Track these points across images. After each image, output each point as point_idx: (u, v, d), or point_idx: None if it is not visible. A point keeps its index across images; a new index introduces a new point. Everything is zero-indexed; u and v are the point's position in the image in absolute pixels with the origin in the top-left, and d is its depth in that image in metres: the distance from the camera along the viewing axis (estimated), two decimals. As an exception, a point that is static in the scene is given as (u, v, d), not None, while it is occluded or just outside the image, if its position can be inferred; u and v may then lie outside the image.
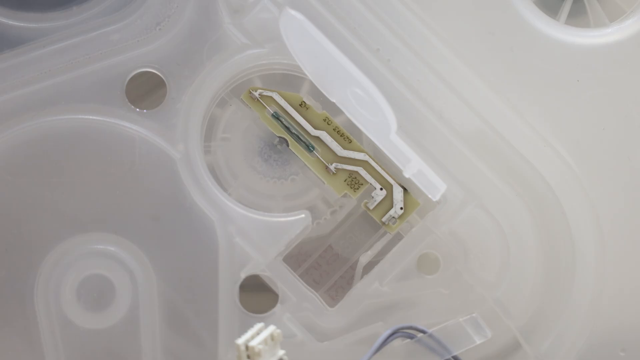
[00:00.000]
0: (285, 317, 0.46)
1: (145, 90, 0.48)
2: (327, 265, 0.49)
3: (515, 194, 0.46)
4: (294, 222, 0.46)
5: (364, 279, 0.47)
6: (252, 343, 0.39)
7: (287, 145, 0.47)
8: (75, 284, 0.46)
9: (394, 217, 0.46)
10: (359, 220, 0.48)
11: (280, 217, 0.46)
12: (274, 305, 0.46)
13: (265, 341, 0.39)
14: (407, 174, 0.45)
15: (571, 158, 0.46)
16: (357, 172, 0.46)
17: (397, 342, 0.45)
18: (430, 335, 0.45)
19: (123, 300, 0.46)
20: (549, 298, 0.46)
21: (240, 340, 0.39)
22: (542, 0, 0.47)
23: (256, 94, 0.47)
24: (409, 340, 0.45)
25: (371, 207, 0.46)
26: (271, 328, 0.40)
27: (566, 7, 0.48)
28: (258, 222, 0.46)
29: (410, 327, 0.45)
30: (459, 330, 0.45)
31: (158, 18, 0.46)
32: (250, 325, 0.40)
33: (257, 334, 0.40)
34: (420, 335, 0.45)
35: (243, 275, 0.46)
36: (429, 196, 0.45)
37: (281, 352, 0.40)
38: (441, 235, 0.46)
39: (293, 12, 0.45)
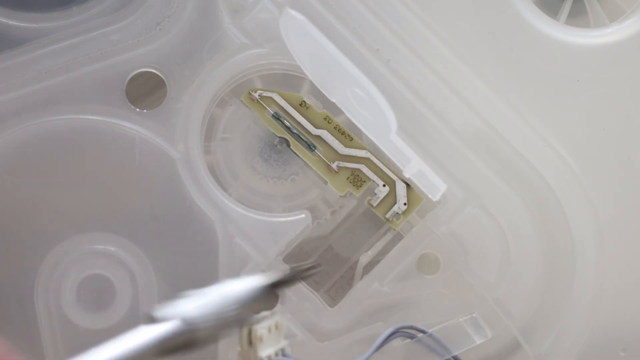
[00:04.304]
0: (285, 317, 0.46)
1: (145, 90, 0.48)
2: (327, 265, 0.48)
3: (515, 194, 0.46)
4: (294, 222, 0.46)
5: (364, 279, 0.47)
6: (255, 327, 0.39)
7: (288, 146, 0.47)
8: (75, 284, 0.46)
9: (397, 213, 0.46)
10: (359, 220, 0.48)
11: (280, 217, 0.46)
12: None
13: (269, 328, 0.39)
14: (407, 174, 0.45)
15: (571, 158, 0.46)
16: (359, 169, 0.46)
17: (397, 342, 0.45)
18: (430, 335, 0.45)
19: (123, 300, 0.46)
20: (549, 298, 0.46)
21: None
22: (542, 0, 0.48)
23: (256, 95, 0.47)
24: (409, 340, 0.45)
25: (374, 204, 0.46)
26: (277, 317, 0.40)
27: (566, 7, 0.48)
28: (258, 222, 0.46)
29: (410, 327, 0.44)
30: (459, 330, 0.45)
31: (158, 18, 0.46)
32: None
33: (262, 320, 0.40)
34: (420, 335, 0.45)
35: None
36: (429, 196, 0.45)
37: (284, 343, 0.40)
38: (441, 235, 0.46)
39: (293, 12, 0.45)
